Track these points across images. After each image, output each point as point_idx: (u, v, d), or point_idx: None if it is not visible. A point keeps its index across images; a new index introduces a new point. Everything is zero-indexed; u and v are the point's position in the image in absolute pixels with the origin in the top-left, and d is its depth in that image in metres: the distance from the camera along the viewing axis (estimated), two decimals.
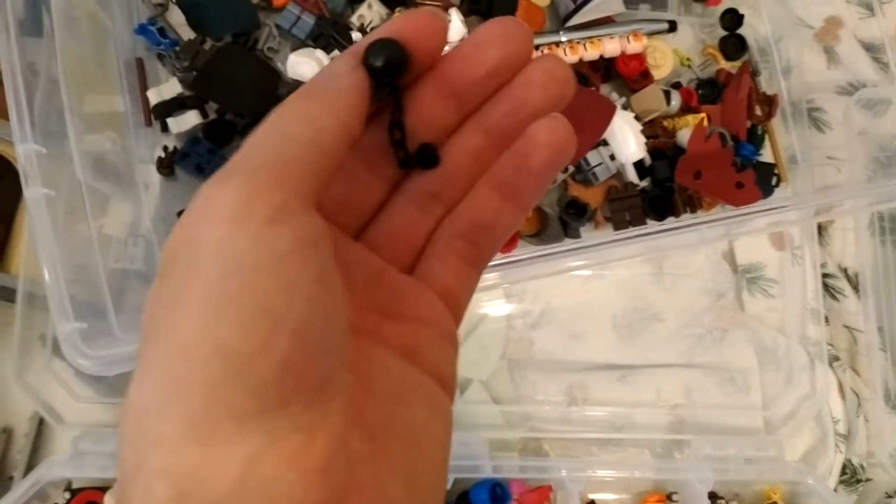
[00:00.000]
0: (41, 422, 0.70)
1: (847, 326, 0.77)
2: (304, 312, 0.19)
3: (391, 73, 0.24)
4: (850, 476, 0.74)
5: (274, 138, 0.21)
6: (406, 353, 0.25)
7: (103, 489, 0.65)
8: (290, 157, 0.21)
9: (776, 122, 0.77)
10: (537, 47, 0.70)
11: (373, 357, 0.24)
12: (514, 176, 0.26)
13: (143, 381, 0.19)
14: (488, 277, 0.57)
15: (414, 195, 0.27)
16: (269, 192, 0.19)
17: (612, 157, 0.71)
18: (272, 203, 0.19)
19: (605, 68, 0.74)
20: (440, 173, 0.27)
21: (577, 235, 0.71)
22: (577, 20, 0.71)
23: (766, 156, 0.77)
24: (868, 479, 0.74)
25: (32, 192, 0.49)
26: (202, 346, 0.18)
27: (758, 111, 0.76)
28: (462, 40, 0.26)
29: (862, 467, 0.74)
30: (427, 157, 0.26)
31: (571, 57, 0.70)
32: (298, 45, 0.69)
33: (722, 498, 0.71)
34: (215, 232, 0.19)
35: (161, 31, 0.67)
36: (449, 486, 0.66)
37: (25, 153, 0.49)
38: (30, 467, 0.68)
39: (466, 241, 0.27)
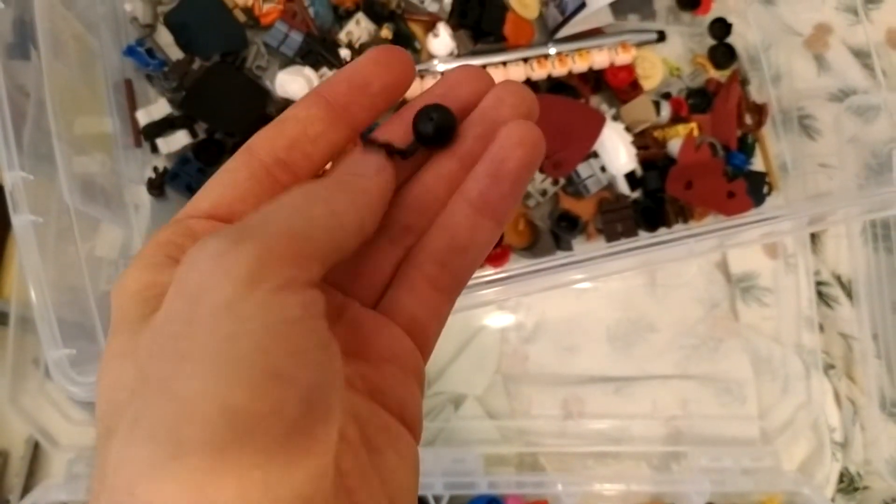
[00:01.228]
0: (37, 445, 0.69)
1: (842, 334, 0.77)
2: (311, 377, 0.19)
3: (441, 138, 0.26)
4: (848, 484, 0.74)
5: (296, 214, 0.21)
6: (371, 394, 0.24)
7: None
8: (308, 237, 0.21)
9: (767, 131, 0.77)
10: (526, 60, 0.70)
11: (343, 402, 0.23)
12: (490, 185, 0.26)
13: (134, 437, 0.18)
14: (482, 294, 0.57)
15: (386, 227, 0.26)
16: (284, 263, 0.19)
17: (603, 169, 0.71)
18: (285, 274, 0.19)
19: (595, 80, 0.74)
20: (413, 204, 0.26)
21: (569, 248, 0.71)
22: (565, 32, 0.71)
23: (758, 164, 0.77)
24: (865, 487, 0.74)
25: (20, 219, 0.48)
26: (209, 406, 0.17)
27: (748, 120, 0.76)
28: (434, 83, 0.27)
29: (859, 475, 0.74)
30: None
31: (560, 69, 0.70)
32: (287, 62, 0.69)
33: None
34: (226, 291, 0.18)
35: (149, 51, 0.67)
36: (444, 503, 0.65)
37: (13, 180, 0.48)
38: (26, 490, 0.68)
39: (439, 265, 0.26)
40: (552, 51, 0.71)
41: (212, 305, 0.18)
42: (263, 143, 0.25)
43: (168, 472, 0.17)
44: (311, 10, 0.69)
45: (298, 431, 0.18)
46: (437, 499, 0.65)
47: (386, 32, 0.68)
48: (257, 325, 0.18)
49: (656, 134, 0.73)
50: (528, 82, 0.70)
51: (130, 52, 0.67)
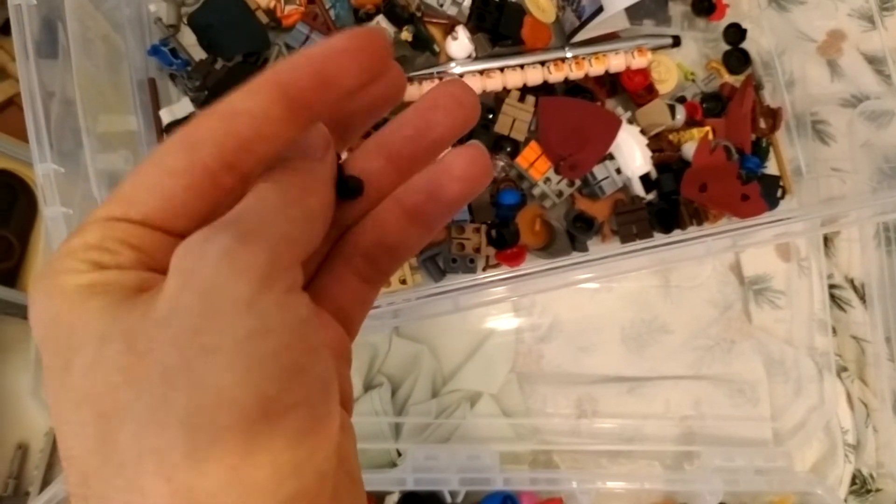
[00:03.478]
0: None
1: (854, 337, 0.77)
2: (324, 371, 0.20)
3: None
4: (860, 486, 0.74)
5: (282, 217, 0.21)
6: None
7: None
8: (295, 240, 0.21)
9: (781, 135, 0.78)
10: (543, 63, 0.71)
11: None
12: (425, 203, 0.25)
13: (161, 425, 0.18)
14: (497, 291, 0.57)
15: None
16: (288, 265, 0.20)
17: (619, 171, 0.72)
18: (290, 276, 0.20)
19: (611, 83, 0.75)
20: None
21: (584, 249, 0.72)
22: (582, 36, 0.72)
23: (772, 168, 0.78)
24: (878, 490, 0.74)
25: (52, 210, 0.49)
26: (244, 394, 0.18)
27: (762, 124, 0.77)
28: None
29: (871, 477, 0.74)
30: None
31: (577, 72, 0.71)
32: None
33: None
34: (244, 289, 0.19)
35: (173, 51, 0.68)
36: (460, 499, 0.66)
37: (44, 173, 0.50)
38: (45, 483, 0.69)
39: (367, 259, 0.26)
40: (569, 54, 0.72)
41: (232, 301, 0.19)
42: (211, 144, 0.21)
43: (206, 457, 0.18)
44: (332, 12, 0.70)
45: (319, 417, 0.20)
46: (453, 494, 0.66)
47: (406, 35, 0.69)
48: (278, 322, 0.19)
49: (671, 137, 0.74)
50: (546, 84, 0.71)
51: (155, 51, 0.69)
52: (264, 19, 0.70)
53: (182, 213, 0.22)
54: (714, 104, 0.77)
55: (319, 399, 0.20)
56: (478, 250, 0.68)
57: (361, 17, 0.70)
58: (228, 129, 0.21)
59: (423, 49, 0.71)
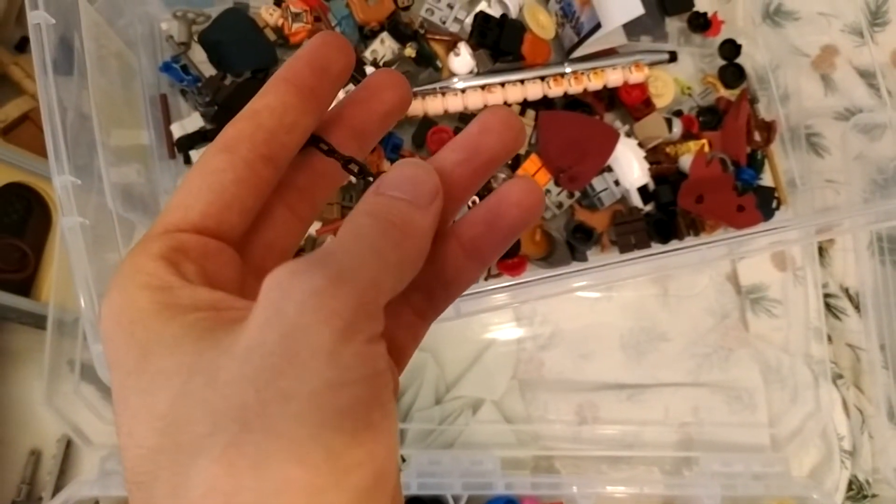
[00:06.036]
0: (68, 444, 0.72)
1: (850, 345, 0.78)
2: (393, 425, 0.21)
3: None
4: (857, 492, 0.75)
5: (378, 260, 0.21)
6: None
7: None
8: (384, 289, 0.21)
9: (775, 148, 0.80)
10: (543, 78, 0.73)
11: None
12: (483, 234, 0.26)
13: (233, 466, 0.18)
14: (498, 298, 0.59)
15: None
16: (373, 315, 0.20)
17: (617, 183, 0.73)
18: (374, 326, 0.20)
19: (609, 98, 0.77)
20: None
21: (584, 259, 0.73)
22: (581, 52, 0.74)
23: (767, 180, 0.79)
24: (874, 495, 0.76)
25: (69, 220, 0.51)
26: (314, 449, 0.18)
27: (757, 137, 0.78)
28: (357, 86, 0.28)
29: (868, 483, 0.75)
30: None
31: (576, 87, 0.72)
32: None
33: None
34: (327, 336, 0.19)
35: (184, 68, 0.71)
36: (463, 503, 0.67)
37: (62, 184, 0.51)
38: (58, 488, 0.70)
39: (424, 295, 0.27)
40: (568, 69, 0.74)
41: (313, 349, 0.19)
42: (244, 140, 0.24)
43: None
44: (338, 30, 0.72)
45: (383, 476, 0.20)
46: (457, 499, 0.67)
47: (409, 51, 0.71)
48: (356, 376, 0.19)
49: (668, 150, 0.76)
50: (545, 99, 0.73)
51: (166, 68, 0.71)
52: (272, 37, 0.72)
53: (234, 205, 0.24)
54: (710, 117, 0.79)
55: (385, 457, 0.20)
56: None
57: (366, 35, 0.72)
58: (256, 125, 0.24)
59: (426, 65, 0.73)
